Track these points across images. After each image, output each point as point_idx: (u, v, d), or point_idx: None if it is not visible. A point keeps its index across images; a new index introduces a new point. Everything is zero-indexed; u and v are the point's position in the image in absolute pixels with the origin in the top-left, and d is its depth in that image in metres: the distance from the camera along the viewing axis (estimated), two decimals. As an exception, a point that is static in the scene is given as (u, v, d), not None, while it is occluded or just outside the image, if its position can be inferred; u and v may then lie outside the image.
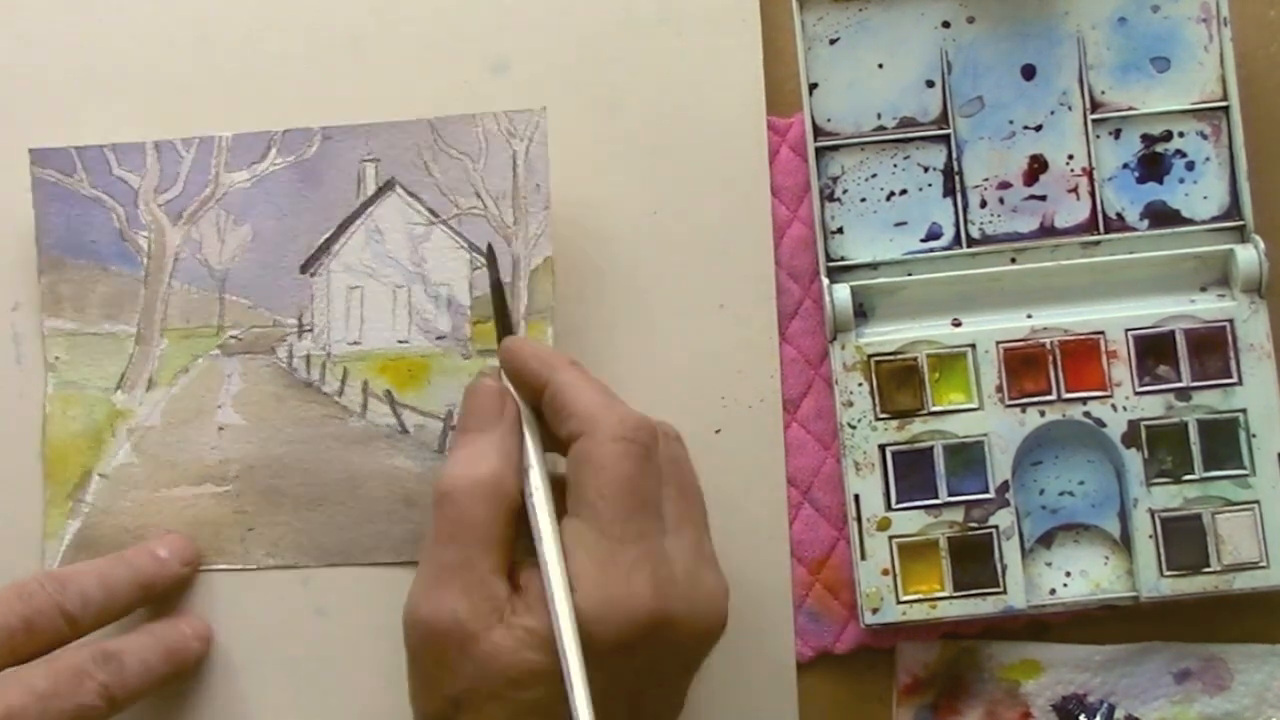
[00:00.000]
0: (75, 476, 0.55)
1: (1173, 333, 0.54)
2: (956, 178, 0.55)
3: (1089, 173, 0.55)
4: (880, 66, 0.55)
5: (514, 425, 0.49)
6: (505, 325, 0.52)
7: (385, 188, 0.55)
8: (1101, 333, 0.54)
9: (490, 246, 0.53)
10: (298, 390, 0.55)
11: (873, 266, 0.55)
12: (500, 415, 0.49)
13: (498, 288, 0.52)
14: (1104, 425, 0.54)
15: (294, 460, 0.55)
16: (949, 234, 0.55)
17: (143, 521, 0.55)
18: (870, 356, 0.54)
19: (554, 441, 0.48)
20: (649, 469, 0.46)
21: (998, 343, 0.54)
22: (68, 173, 0.56)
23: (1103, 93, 0.55)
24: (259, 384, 0.55)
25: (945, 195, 0.55)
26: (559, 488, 0.47)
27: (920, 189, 0.55)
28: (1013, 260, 0.55)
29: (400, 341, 0.55)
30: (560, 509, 0.47)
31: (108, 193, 0.56)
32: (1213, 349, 0.54)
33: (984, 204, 0.55)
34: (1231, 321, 0.54)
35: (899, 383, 0.54)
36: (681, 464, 0.49)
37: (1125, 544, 0.54)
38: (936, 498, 0.54)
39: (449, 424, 0.55)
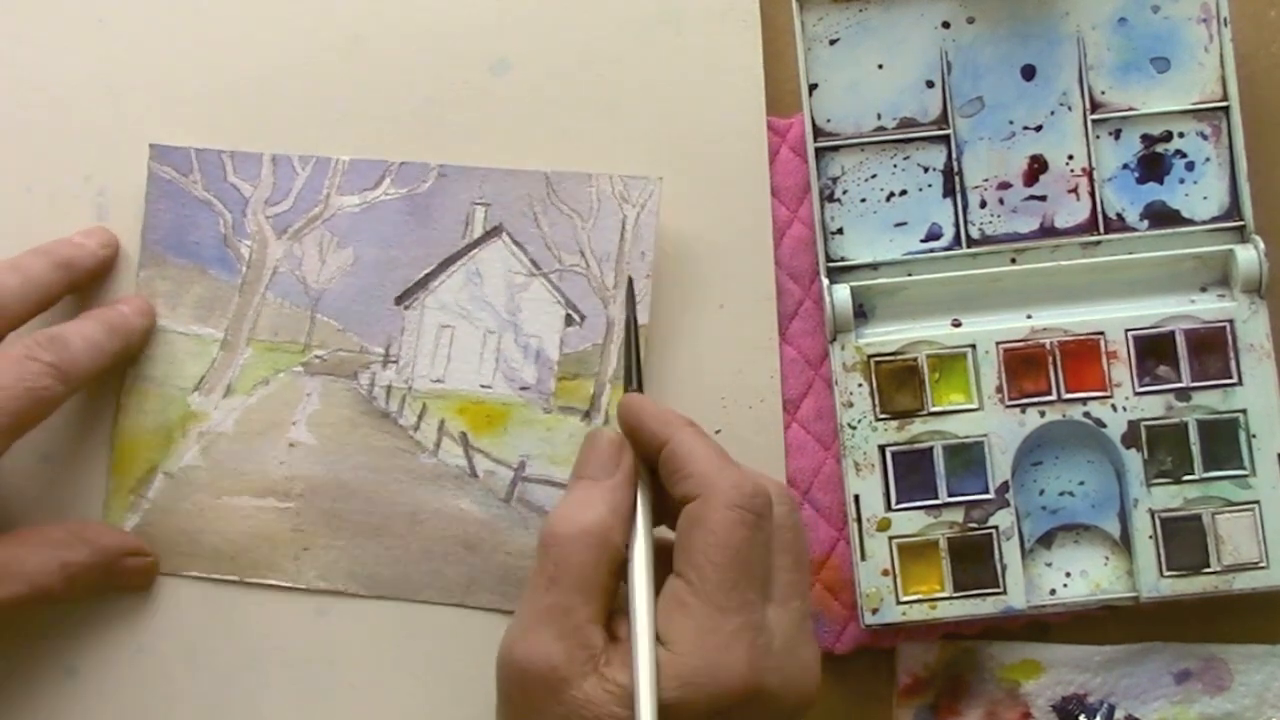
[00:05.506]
0: (140, 471, 0.55)
1: (1173, 333, 0.54)
2: (956, 178, 0.55)
3: (1089, 173, 0.55)
4: (880, 67, 0.55)
5: (629, 478, 0.48)
6: (633, 373, 0.52)
7: (492, 233, 0.55)
8: (1101, 333, 0.54)
9: (630, 280, 0.53)
10: (374, 419, 0.55)
11: (873, 267, 0.55)
12: (616, 466, 0.48)
13: (632, 327, 0.52)
14: (1104, 426, 0.54)
15: (359, 487, 0.55)
16: (949, 234, 0.55)
17: (200, 526, 0.55)
18: (870, 357, 0.54)
19: (666, 499, 0.48)
20: (759, 538, 0.46)
21: (998, 343, 0.54)
22: (184, 172, 0.56)
23: (1103, 93, 0.55)
24: (336, 407, 0.55)
25: (945, 195, 0.55)
26: (666, 548, 0.47)
27: (920, 189, 0.55)
28: (1013, 260, 0.55)
29: (484, 386, 0.55)
30: (666, 566, 0.47)
31: (219, 197, 0.56)
32: (1213, 349, 0.54)
33: (984, 204, 0.55)
34: (1231, 322, 0.54)
35: (899, 383, 0.54)
36: (798, 531, 0.48)
37: (1125, 544, 0.54)
38: (936, 498, 0.54)
39: (519, 474, 0.54)
